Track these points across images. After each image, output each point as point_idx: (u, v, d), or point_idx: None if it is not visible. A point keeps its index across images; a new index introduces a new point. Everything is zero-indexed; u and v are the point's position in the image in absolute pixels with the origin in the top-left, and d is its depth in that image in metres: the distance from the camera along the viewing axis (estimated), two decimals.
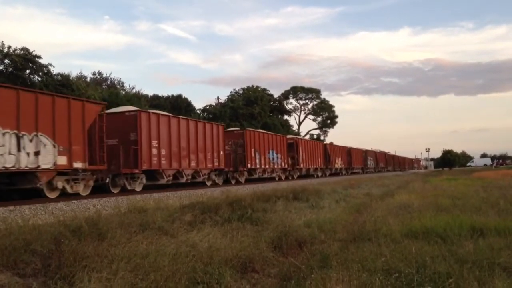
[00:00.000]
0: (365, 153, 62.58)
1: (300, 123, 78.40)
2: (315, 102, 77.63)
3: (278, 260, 7.53)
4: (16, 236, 6.37)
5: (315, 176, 40.54)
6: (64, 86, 31.85)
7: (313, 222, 10.22)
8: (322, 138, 74.41)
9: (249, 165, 27.38)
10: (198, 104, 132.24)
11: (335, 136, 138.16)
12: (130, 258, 5.93)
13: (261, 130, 32.38)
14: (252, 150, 27.88)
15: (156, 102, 50.01)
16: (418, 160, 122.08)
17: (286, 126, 65.05)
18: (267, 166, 30.01)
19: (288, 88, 76.74)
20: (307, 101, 77.66)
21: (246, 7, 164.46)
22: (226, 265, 6.43)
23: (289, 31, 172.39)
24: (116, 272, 5.41)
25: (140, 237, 7.32)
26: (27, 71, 31.93)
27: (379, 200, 15.87)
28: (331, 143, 49.60)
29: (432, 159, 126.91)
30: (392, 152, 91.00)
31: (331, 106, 78.33)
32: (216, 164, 24.06)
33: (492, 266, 5.92)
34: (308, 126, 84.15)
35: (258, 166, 28.65)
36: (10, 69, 30.65)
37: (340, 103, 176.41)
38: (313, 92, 77.27)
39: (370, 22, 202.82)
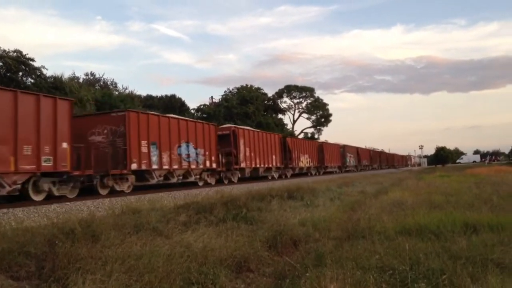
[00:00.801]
0: (342, 149, 53.44)
1: (294, 121, 78.57)
2: (309, 101, 77.83)
3: (273, 259, 7.54)
4: (10, 238, 6.35)
5: (269, 177, 31.53)
6: (57, 89, 31.71)
7: (307, 221, 10.24)
8: (316, 136, 74.58)
9: (134, 165, 17.73)
10: (192, 104, 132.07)
11: (329, 135, 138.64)
12: (124, 260, 5.92)
13: (158, 114, 21.89)
14: (143, 142, 18.36)
15: (150, 102, 49.96)
16: (409, 157, 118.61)
17: (281, 125, 65.13)
18: (174, 166, 20.38)
19: (282, 87, 76.92)
20: (301, 99, 77.84)
21: (240, 7, 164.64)
22: (221, 265, 6.44)
23: (282, 30, 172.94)
24: (110, 274, 5.40)
25: (134, 238, 7.31)
26: (20, 74, 31.78)
27: (373, 198, 15.92)
28: (293, 137, 41.32)
29: (425, 156, 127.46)
30: (386, 150, 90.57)
31: (325, 105, 78.56)
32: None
33: (485, 262, 5.95)
34: (302, 124, 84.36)
35: (155, 166, 18.99)
36: (3, 71, 30.49)
37: (334, 101, 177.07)
38: (307, 91, 77.40)
39: (363, 20, 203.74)
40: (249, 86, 64.58)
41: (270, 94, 72.47)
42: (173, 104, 51.70)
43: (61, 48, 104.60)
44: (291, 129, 73.46)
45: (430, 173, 41.47)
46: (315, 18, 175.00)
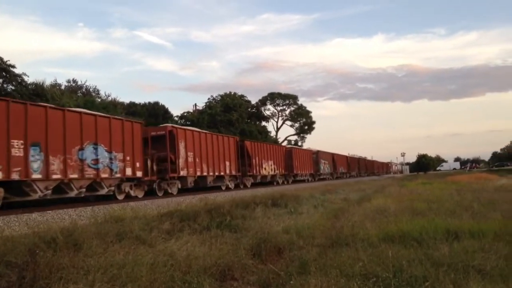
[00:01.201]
0: (315, 155, 48.90)
1: (278, 129, 78.82)
2: (292, 108, 78.20)
3: (257, 267, 7.52)
4: None
5: (222, 188, 27.27)
6: (38, 96, 31.34)
7: (291, 228, 10.25)
8: (300, 144, 74.85)
9: None
10: (176, 111, 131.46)
11: (312, 142, 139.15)
12: (107, 269, 5.85)
13: (46, 105, 15.83)
14: (16, 141, 13.51)
15: (133, 109, 49.59)
16: (390, 164, 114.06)
17: (264, 133, 65.24)
18: (72, 176, 15.49)
19: (265, 94, 77.22)
20: (284, 107, 78.18)
21: (222, 14, 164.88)
22: (205, 273, 6.40)
23: (265, 38, 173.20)
24: (92, 283, 5.34)
25: (117, 247, 7.23)
26: (0, 80, 31.34)
27: (356, 205, 16.02)
28: (253, 142, 34.54)
29: (407, 164, 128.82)
30: (369, 157, 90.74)
31: (309, 112, 79.04)
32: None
33: (467, 268, 6.04)
34: (286, 132, 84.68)
35: (36, 175, 14.07)
36: None
37: (316, 109, 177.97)
38: (290, 98, 77.82)
39: (345, 29, 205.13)
40: (232, 93, 64.65)
41: (253, 102, 72.73)
42: (156, 111, 51.43)
43: (43, 54, 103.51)
44: (274, 136, 73.66)
45: (412, 180, 41.94)
46: (298, 26, 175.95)
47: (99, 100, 45.06)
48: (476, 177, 38.44)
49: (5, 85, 31.62)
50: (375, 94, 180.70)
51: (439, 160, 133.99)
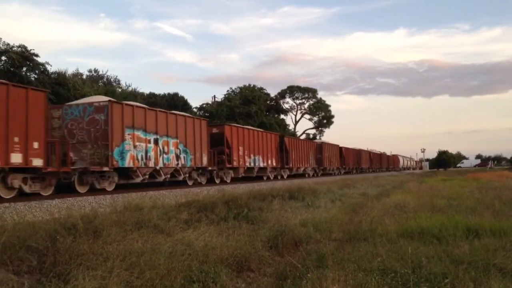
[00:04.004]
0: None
1: (296, 122, 78.45)
2: (311, 102, 77.62)
3: (274, 259, 7.53)
4: (11, 233, 6.34)
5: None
6: (60, 84, 31.74)
7: (309, 222, 10.23)
8: (318, 137, 74.46)
9: None
10: (195, 102, 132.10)
11: (331, 136, 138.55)
12: (125, 256, 5.91)
13: None
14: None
15: (153, 100, 49.88)
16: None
17: (283, 126, 65.04)
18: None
19: (283, 87, 76.78)
20: (303, 100, 77.63)
21: (243, 7, 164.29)
22: (222, 264, 6.43)
23: (285, 31, 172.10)
24: (111, 270, 5.39)
25: (135, 235, 7.30)
26: (24, 69, 31.79)
27: (375, 200, 15.89)
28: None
29: (427, 160, 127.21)
30: (387, 153, 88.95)
31: (327, 106, 78.38)
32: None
33: (488, 267, 5.94)
34: (304, 125, 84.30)
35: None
36: (7, 66, 30.49)
37: (335, 103, 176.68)
38: (309, 92, 77.26)
39: (365, 23, 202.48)
40: (251, 86, 64.52)
41: (272, 95, 72.48)
42: (175, 103, 51.60)
43: (65, 44, 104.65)
44: (293, 129, 73.40)
45: (432, 177, 41.41)
46: (318, 20, 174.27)
47: (120, 90, 45.47)
48: (498, 174, 37.79)
49: (28, 74, 32.07)
50: (395, 89, 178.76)
51: (460, 157, 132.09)
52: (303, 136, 71.24)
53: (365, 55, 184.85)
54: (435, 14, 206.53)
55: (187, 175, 21.10)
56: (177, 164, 20.00)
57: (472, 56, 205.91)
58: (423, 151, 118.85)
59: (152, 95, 53.24)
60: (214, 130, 25.17)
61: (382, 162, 77.78)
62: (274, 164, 31.71)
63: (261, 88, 66.56)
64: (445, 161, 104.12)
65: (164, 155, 19.16)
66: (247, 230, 8.91)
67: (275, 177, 31.92)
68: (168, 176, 19.61)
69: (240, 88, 63.12)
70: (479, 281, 5.43)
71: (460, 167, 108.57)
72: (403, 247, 6.99)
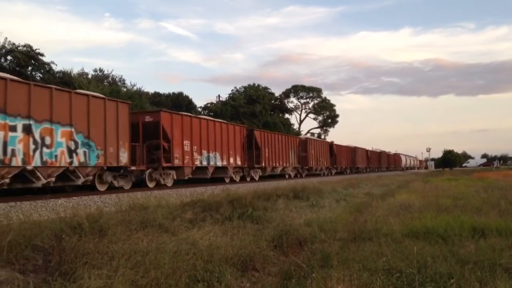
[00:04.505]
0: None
1: (301, 122, 78.45)
2: (316, 101, 77.65)
3: (279, 258, 7.52)
4: (17, 231, 6.36)
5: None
6: (66, 84, 31.86)
7: (313, 221, 10.21)
8: (323, 137, 74.36)
9: None
10: (199, 102, 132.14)
11: (336, 136, 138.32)
12: (131, 255, 5.92)
13: None
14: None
15: (157, 99, 49.98)
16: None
17: (287, 125, 64.99)
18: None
19: (287, 87, 76.81)
20: (308, 100, 77.68)
21: (247, 6, 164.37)
22: (227, 263, 6.44)
23: (289, 30, 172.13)
24: (116, 269, 5.41)
25: (140, 234, 7.31)
26: (29, 68, 31.95)
27: (379, 200, 15.85)
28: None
29: (432, 159, 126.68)
30: (392, 152, 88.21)
31: (332, 105, 78.32)
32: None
33: (494, 267, 5.91)
34: (309, 125, 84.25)
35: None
36: (12, 65, 30.64)
37: (340, 102, 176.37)
38: (314, 91, 77.22)
39: (370, 22, 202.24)
40: (256, 85, 64.53)
41: (277, 94, 72.46)
42: (180, 102, 51.69)
43: (70, 44, 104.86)
44: (297, 129, 73.36)
45: (437, 176, 41.26)
46: (322, 19, 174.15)
47: (125, 89, 45.54)
48: (504, 174, 37.59)
49: (33, 73, 32.22)
50: (400, 89, 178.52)
51: (465, 157, 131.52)
52: (308, 136, 71.22)
53: (370, 55, 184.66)
54: (441, 13, 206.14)
55: (91, 177, 15.73)
56: (70, 162, 14.55)
57: (478, 55, 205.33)
58: (428, 150, 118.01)
59: (157, 95, 53.30)
60: (147, 119, 19.66)
61: (381, 162, 72.49)
62: (239, 163, 26.44)
63: (266, 88, 66.66)
64: (450, 160, 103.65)
65: (45, 149, 13.67)
66: (251, 229, 8.91)
67: (242, 179, 27.05)
68: (53, 179, 14.07)
69: (245, 87, 63.20)
70: (485, 281, 5.41)
71: (465, 166, 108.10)
72: (408, 247, 6.97)
